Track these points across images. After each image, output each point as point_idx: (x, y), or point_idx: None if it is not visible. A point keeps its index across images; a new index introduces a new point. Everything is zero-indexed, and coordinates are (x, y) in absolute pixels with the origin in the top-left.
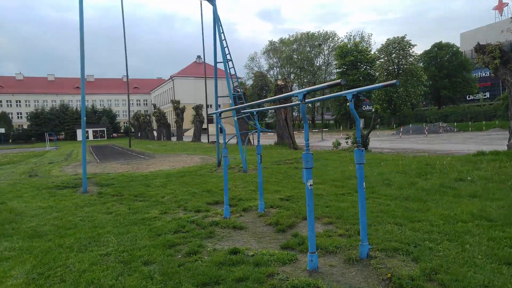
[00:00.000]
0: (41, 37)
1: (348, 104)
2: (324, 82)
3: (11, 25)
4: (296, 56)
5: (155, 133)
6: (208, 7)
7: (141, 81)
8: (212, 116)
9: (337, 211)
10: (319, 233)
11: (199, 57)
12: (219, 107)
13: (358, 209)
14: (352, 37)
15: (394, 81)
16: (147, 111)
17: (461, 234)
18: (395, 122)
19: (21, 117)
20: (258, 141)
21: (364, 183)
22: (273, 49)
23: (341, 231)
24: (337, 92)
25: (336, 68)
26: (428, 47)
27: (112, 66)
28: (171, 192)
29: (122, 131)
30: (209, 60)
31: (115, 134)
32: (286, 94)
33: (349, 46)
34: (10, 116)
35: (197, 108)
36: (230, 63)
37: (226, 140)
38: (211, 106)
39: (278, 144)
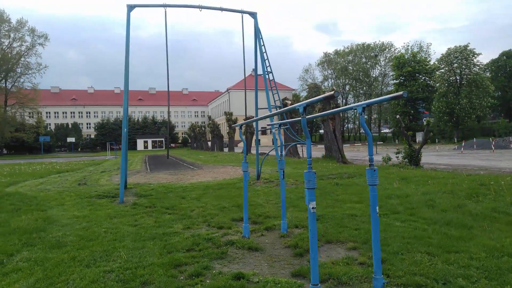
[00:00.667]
0: (112, 54)
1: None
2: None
3: (89, 43)
4: (351, 68)
5: (209, 144)
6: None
7: (199, 93)
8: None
9: (366, 235)
10: (337, 260)
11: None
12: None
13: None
14: (409, 47)
15: (401, 92)
16: (204, 122)
17: (504, 271)
18: (457, 136)
19: (89, 127)
20: (281, 154)
21: (377, 207)
22: (327, 60)
23: (363, 258)
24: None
25: (393, 79)
26: (495, 56)
27: (173, 79)
28: (202, 206)
29: (180, 141)
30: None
31: (173, 145)
32: (289, 107)
33: (406, 56)
34: (80, 126)
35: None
36: (270, 75)
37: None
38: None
39: (326, 157)
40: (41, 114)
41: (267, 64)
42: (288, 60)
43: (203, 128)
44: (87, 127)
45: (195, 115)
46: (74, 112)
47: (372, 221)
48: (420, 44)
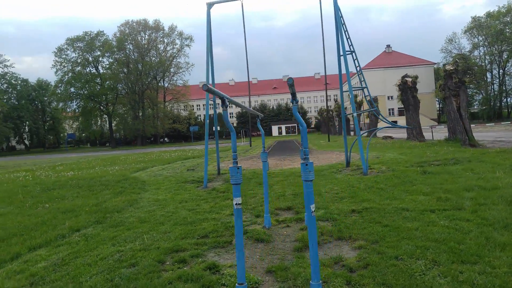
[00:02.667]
0: (251, 45)
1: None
2: None
3: (232, 39)
4: (509, 31)
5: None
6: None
7: (332, 76)
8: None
9: (388, 233)
10: (325, 259)
11: (388, 46)
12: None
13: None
14: None
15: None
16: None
17: None
18: None
19: (232, 117)
20: (263, 147)
21: (312, 206)
22: (477, 26)
23: (353, 260)
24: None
25: None
26: None
27: (308, 64)
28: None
29: (313, 126)
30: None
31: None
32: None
33: None
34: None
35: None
36: (353, 54)
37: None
38: (391, 98)
39: (449, 140)
40: (192, 107)
41: (350, 43)
42: (432, 30)
43: (330, 112)
44: (230, 117)
45: (328, 99)
46: (218, 103)
47: (307, 222)
48: None
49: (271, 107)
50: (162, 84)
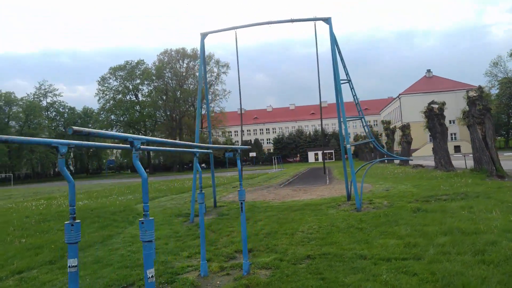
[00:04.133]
0: (293, 72)
1: None
2: None
3: (273, 65)
4: None
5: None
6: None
7: (371, 102)
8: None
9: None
10: None
11: (429, 71)
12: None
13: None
14: None
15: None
16: (377, 131)
17: None
18: None
19: (269, 142)
20: (241, 184)
21: (150, 271)
22: None
23: None
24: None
25: None
26: None
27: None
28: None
29: (352, 152)
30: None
31: (346, 156)
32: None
33: None
34: (261, 142)
35: (404, 128)
36: (350, 83)
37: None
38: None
39: (475, 170)
40: (230, 133)
41: (346, 72)
42: (482, 53)
43: (364, 139)
44: (267, 142)
45: (372, 124)
46: (256, 130)
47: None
48: None
49: (307, 133)
50: (200, 111)
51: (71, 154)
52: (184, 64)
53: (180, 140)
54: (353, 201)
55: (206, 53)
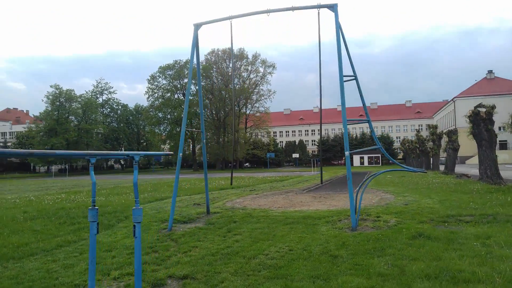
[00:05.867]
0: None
1: None
2: None
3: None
4: None
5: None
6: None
7: (424, 105)
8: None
9: None
10: None
11: (490, 72)
12: None
13: None
14: None
15: None
16: (427, 136)
17: None
18: None
19: (314, 144)
20: (136, 201)
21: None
22: None
23: None
24: None
25: None
26: None
27: (402, 91)
28: (207, 247)
29: (401, 157)
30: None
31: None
32: None
33: None
34: (306, 143)
35: (450, 134)
36: (356, 80)
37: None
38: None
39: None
40: (274, 133)
41: (352, 67)
42: None
43: (413, 144)
44: (312, 144)
45: (419, 129)
46: (301, 131)
47: None
48: None
49: (354, 135)
50: (244, 110)
51: (122, 149)
52: (231, 64)
53: (223, 139)
54: (359, 216)
55: (251, 52)
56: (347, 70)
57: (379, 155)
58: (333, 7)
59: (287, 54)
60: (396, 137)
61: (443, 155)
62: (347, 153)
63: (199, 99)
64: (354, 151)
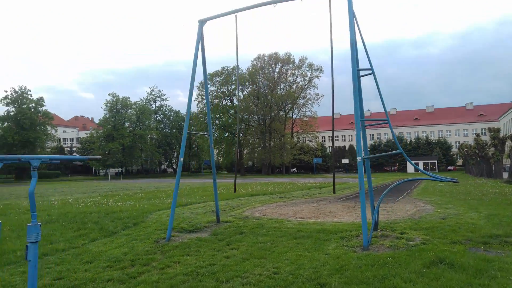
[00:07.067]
0: (401, 75)
1: None
2: None
3: (378, 68)
4: None
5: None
6: None
7: (488, 107)
8: None
9: None
10: None
11: None
12: None
13: None
14: None
15: None
16: (489, 141)
17: None
18: None
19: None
20: (33, 216)
21: None
22: None
23: None
24: None
25: None
26: None
27: (463, 94)
28: (187, 263)
29: (460, 163)
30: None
31: (451, 167)
32: None
33: None
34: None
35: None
36: (374, 75)
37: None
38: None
39: None
40: (323, 138)
41: (369, 60)
42: None
43: (472, 149)
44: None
45: (482, 133)
46: (351, 135)
47: None
48: None
49: (408, 140)
50: (291, 115)
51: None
52: (277, 68)
53: (270, 143)
54: (380, 231)
55: (299, 55)
56: (364, 64)
57: (435, 161)
58: None
59: (338, 57)
60: (455, 141)
61: (506, 162)
62: (359, 158)
63: (206, 102)
64: (369, 156)
